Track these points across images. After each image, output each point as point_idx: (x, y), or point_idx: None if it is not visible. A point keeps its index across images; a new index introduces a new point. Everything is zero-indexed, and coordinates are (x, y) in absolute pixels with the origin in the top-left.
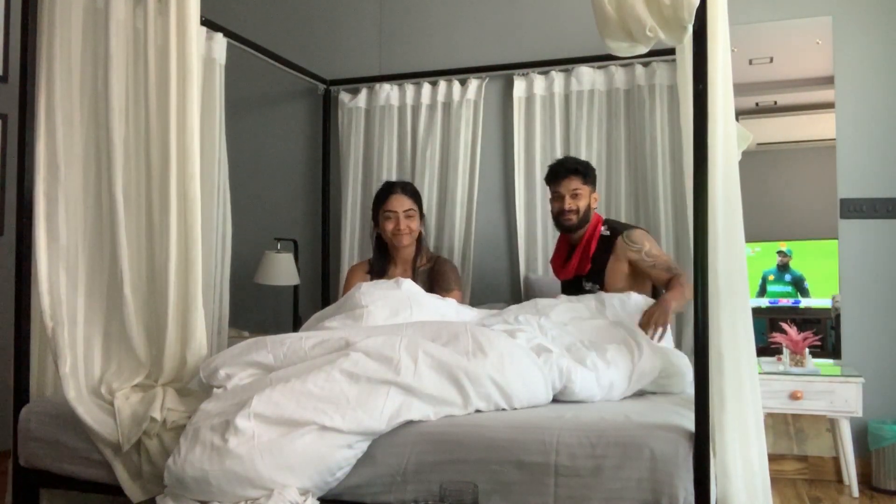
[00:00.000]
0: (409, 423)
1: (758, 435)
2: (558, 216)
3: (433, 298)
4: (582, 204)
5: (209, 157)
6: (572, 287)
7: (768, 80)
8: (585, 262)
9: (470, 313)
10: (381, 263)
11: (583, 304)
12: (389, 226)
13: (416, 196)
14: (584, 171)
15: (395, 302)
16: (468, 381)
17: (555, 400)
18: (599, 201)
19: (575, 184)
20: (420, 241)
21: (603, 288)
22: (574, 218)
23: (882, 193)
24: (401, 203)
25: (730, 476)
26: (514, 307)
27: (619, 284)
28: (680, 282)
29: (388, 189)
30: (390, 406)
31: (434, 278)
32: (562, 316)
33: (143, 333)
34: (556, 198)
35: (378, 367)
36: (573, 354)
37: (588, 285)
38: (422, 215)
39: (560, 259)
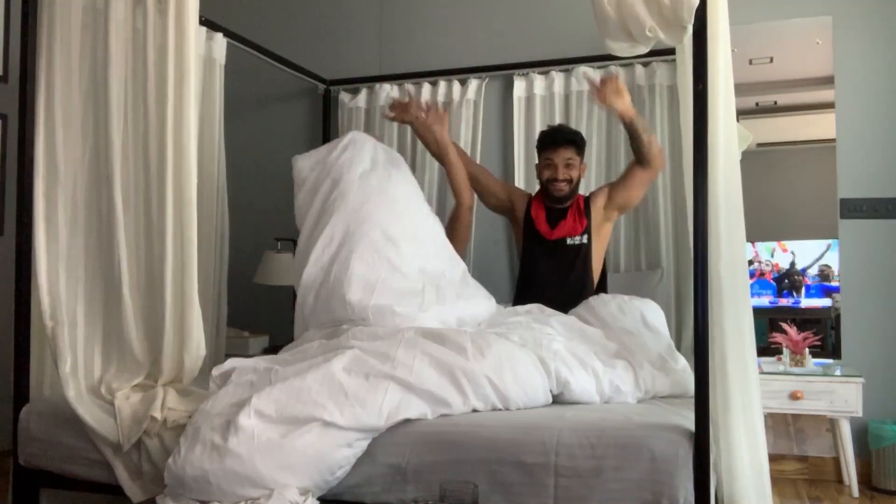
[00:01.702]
0: (409, 422)
1: (762, 435)
2: (548, 183)
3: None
4: (574, 174)
5: (208, 157)
6: (551, 249)
7: (768, 80)
8: (580, 221)
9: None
10: None
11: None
12: None
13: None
14: (579, 142)
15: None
16: (466, 380)
17: (556, 400)
18: None
19: (569, 153)
20: None
21: (590, 238)
22: (566, 188)
23: (882, 193)
24: None
25: (736, 476)
26: (519, 309)
27: (602, 241)
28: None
29: None
30: (389, 403)
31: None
32: (563, 322)
33: (142, 334)
34: (548, 165)
35: (376, 363)
36: (576, 357)
37: (577, 238)
38: None
39: (543, 217)
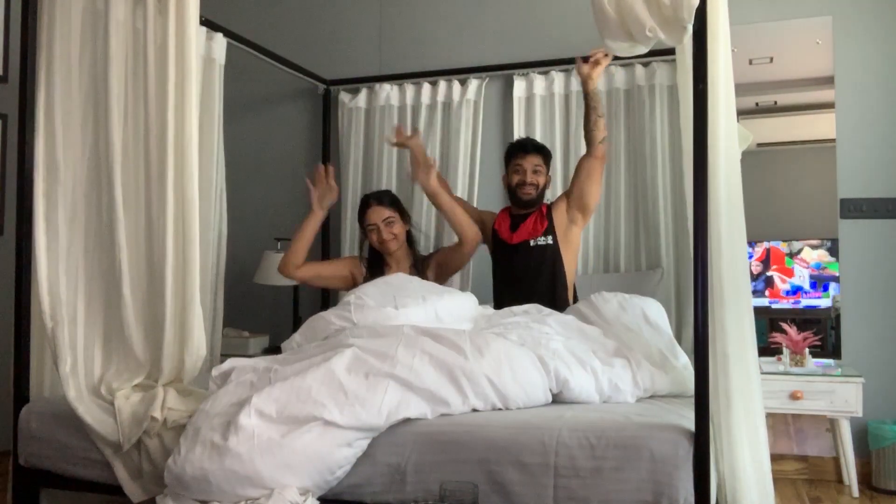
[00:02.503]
0: (409, 422)
1: (764, 434)
2: (517, 188)
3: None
4: (541, 181)
5: (207, 157)
6: (514, 252)
7: (768, 80)
8: (541, 223)
9: (467, 308)
10: (375, 268)
11: (573, 316)
12: (374, 237)
13: (394, 203)
14: (546, 153)
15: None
16: (465, 380)
17: (555, 400)
18: (599, 202)
19: (538, 160)
20: (410, 240)
21: (555, 238)
22: (533, 192)
23: (882, 193)
24: (379, 214)
25: (738, 477)
26: (516, 309)
27: (571, 248)
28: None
29: (365, 203)
30: (389, 402)
31: (441, 264)
32: (561, 321)
33: (142, 333)
34: (518, 171)
35: (376, 362)
36: (575, 357)
37: (541, 240)
38: (405, 218)
39: (506, 226)
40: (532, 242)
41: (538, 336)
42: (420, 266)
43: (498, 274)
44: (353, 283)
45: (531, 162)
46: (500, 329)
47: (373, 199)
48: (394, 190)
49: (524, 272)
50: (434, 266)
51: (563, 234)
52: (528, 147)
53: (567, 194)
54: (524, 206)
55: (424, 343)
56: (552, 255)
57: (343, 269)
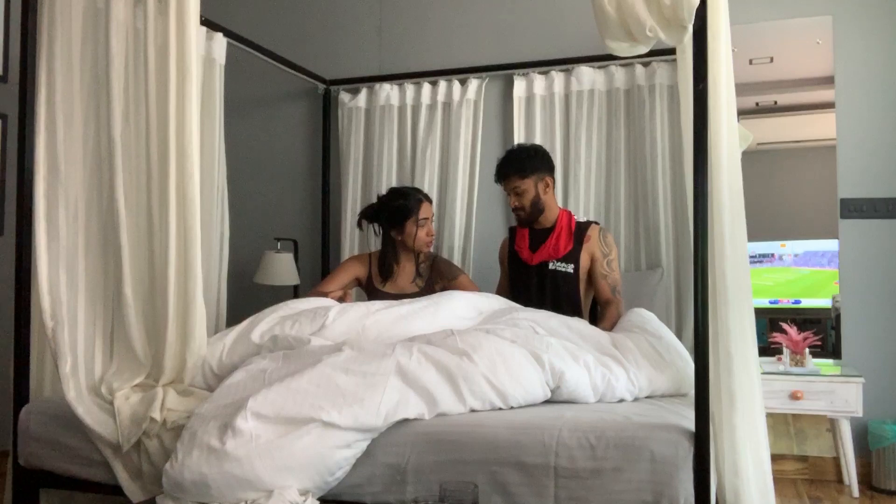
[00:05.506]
0: (409, 422)
1: (764, 434)
2: (513, 212)
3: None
4: (526, 200)
5: (208, 157)
6: (531, 273)
7: (768, 80)
8: (567, 242)
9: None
10: (387, 265)
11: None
12: (423, 233)
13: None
14: (521, 167)
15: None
16: (463, 380)
17: (553, 397)
18: (598, 201)
19: (515, 182)
20: None
21: (577, 269)
22: (522, 214)
23: (882, 193)
24: (429, 210)
25: (741, 476)
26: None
27: (584, 271)
28: (618, 310)
29: (419, 199)
30: (387, 402)
31: (437, 272)
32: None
33: (143, 333)
34: (507, 195)
35: (373, 362)
36: (567, 351)
37: (561, 265)
38: None
39: (526, 244)
40: (551, 265)
41: (529, 333)
42: (425, 273)
43: (513, 295)
44: (356, 284)
45: (509, 187)
46: (491, 327)
47: (422, 194)
48: None
49: (540, 297)
50: (431, 272)
51: (584, 271)
52: (500, 175)
53: (591, 266)
54: (523, 224)
55: (420, 346)
56: (570, 285)
57: (347, 278)
